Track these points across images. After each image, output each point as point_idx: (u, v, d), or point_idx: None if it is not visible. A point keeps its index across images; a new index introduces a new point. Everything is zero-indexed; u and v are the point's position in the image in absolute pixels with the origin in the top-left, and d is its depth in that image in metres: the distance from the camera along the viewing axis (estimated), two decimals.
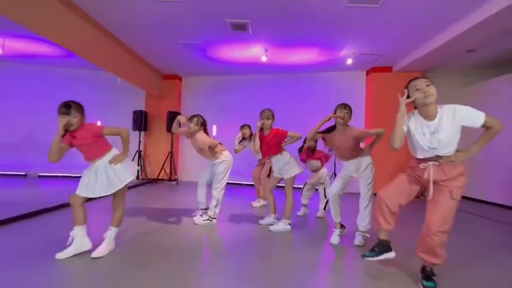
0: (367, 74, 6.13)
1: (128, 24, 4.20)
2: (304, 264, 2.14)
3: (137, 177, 6.48)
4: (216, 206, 3.09)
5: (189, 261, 2.11)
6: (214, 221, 3.12)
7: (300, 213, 3.67)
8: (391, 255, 1.81)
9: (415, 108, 1.84)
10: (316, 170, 3.60)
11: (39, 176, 6.47)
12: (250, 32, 4.30)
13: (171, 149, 6.51)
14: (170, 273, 1.89)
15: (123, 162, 2.21)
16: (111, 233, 2.24)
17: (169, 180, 6.58)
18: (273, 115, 2.98)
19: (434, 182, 1.74)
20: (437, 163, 1.72)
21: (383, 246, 1.82)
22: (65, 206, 3.68)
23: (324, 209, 3.59)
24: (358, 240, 2.57)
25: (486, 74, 5.60)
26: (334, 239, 2.62)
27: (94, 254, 2.10)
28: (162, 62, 6.02)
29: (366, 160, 2.61)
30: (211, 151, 3.07)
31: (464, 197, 5.41)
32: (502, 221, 3.73)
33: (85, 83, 6.65)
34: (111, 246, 2.25)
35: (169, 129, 6.38)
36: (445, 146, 1.69)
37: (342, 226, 2.68)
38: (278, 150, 3.00)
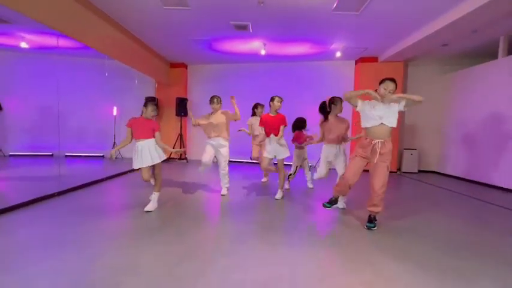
0: (355, 64, 6.80)
1: (141, 22, 4.80)
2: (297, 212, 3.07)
3: (180, 158, 7.35)
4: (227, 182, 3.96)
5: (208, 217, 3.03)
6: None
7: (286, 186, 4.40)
8: (340, 205, 3.28)
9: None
10: (302, 147, 4.25)
11: (66, 156, 7.34)
12: (251, 31, 4.95)
13: (181, 131, 7.31)
14: (189, 228, 2.81)
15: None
16: (154, 196, 3.17)
17: (180, 159, 7.47)
18: (281, 100, 3.70)
19: (368, 158, 2.67)
20: (382, 140, 2.60)
21: (335, 201, 3.07)
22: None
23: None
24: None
25: (459, 64, 6.31)
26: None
27: (146, 208, 3.08)
28: (170, 53, 6.64)
29: (343, 146, 3.45)
30: (227, 128, 3.79)
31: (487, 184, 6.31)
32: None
33: (102, 72, 7.27)
34: (155, 205, 3.18)
35: (178, 113, 7.15)
36: (388, 117, 2.58)
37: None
38: (278, 131, 3.60)
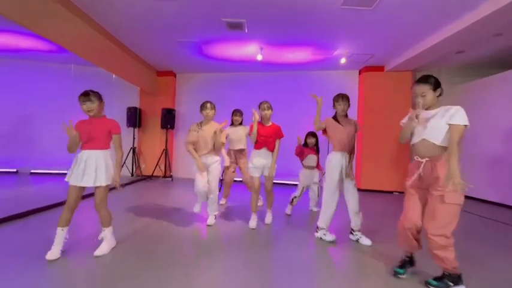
0: (359, 73, 6.25)
1: (121, 20, 4.17)
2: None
3: (132, 174, 6.48)
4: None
5: (188, 256, 2.20)
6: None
7: (288, 212, 3.66)
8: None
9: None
10: (313, 167, 3.67)
11: (31, 173, 6.40)
12: (246, 31, 4.34)
13: (166, 146, 6.52)
14: (170, 267, 1.98)
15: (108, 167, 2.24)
16: (105, 233, 2.26)
17: (164, 176, 6.61)
18: (271, 107, 3.06)
19: (427, 188, 1.87)
20: (428, 159, 1.85)
21: (411, 261, 2.06)
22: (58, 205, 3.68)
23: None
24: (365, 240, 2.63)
25: (472, 74, 5.82)
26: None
27: (96, 253, 2.17)
28: (157, 59, 5.99)
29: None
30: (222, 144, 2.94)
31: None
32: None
33: (77, 78, 6.55)
34: (112, 243, 2.31)
35: (163, 126, 6.38)
36: (431, 131, 1.84)
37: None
38: (273, 145, 3.01)
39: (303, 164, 3.71)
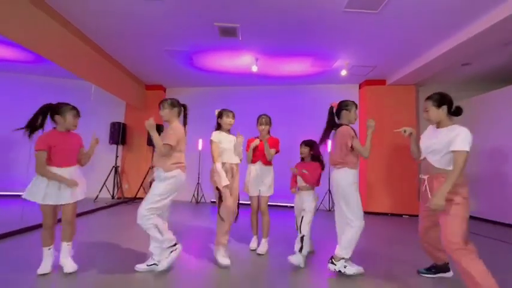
0: (360, 88, 5.96)
1: (104, 27, 3.80)
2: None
3: (112, 196, 5.83)
4: (163, 234, 2.12)
5: None
6: (178, 247, 2.20)
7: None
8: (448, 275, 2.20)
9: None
10: (303, 188, 2.62)
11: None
12: (240, 38, 4.00)
13: (152, 165, 5.94)
14: None
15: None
16: (64, 247, 2.12)
17: None
18: (271, 120, 2.87)
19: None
20: (429, 176, 1.96)
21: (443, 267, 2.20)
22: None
23: (300, 251, 2.34)
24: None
25: (479, 89, 5.56)
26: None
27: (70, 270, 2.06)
28: (144, 71, 5.61)
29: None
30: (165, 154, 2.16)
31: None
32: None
33: (55, 91, 6.07)
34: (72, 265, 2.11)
35: (150, 142, 5.86)
36: (434, 153, 1.92)
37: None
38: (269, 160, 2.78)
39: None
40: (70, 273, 2.06)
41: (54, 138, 2.08)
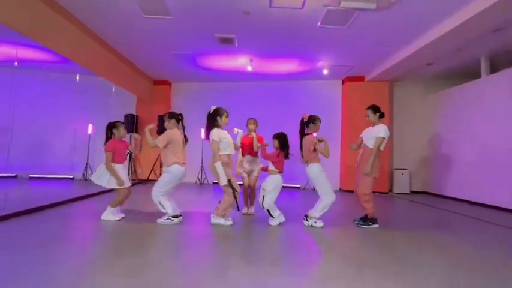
0: (342, 83, 6.77)
1: (120, 32, 4.57)
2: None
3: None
4: (165, 208, 3.05)
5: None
6: (176, 220, 3.07)
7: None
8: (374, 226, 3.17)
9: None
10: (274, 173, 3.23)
11: (30, 178, 6.63)
12: (236, 45, 4.80)
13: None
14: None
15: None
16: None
17: None
18: (257, 122, 3.76)
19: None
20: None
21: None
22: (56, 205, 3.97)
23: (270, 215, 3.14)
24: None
25: (443, 84, 6.38)
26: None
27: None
28: (153, 70, 6.40)
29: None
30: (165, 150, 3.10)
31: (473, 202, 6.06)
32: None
33: (77, 87, 6.88)
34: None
35: (160, 132, 6.73)
36: (369, 139, 3.16)
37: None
38: (256, 152, 3.62)
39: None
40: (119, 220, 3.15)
41: (115, 144, 3.15)
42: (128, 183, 3.20)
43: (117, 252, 2.20)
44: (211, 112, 3.14)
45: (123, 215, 3.24)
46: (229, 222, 3.09)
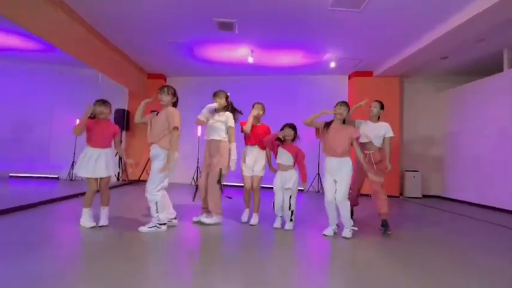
0: (349, 78, 6.36)
1: (111, 20, 4.13)
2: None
3: (117, 178, 6.26)
4: (158, 212, 2.51)
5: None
6: (164, 227, 2.56)
7: (277, 225, 2.95)
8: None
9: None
10: (286, 168, 2.85)
11: (10, 177, 6.11)
12: (236, 32, 4.36)
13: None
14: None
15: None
16: (104, 210, 2.71)
17: None
18: (264, 108, 3.21)
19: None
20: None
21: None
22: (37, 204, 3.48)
23: (291, 220, 2.86)
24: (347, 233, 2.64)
25: (456, 81, 5.99)
26: (329, 231, 2.68)
27: (101, 223, 2.65)
28: (147, 61, 5.95)
29: (348, 162, 2.66)
30: (172, 135, 2.53)
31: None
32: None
33: (64, 79, 6.43)
34: (106, 221, 2.69)
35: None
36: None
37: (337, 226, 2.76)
38: (263, 145, 3.04)
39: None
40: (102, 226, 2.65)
41: (90, 123, 2.71)
42: (92, 174, 2.58)
43: (93, 272, 1.72)
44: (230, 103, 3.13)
45: (94, 223, 2.61)
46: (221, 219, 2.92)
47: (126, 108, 6.62)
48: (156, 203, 2.50)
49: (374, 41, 4.55)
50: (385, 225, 2.79)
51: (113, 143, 2.77)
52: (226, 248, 2.33)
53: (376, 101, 3.08)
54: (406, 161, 6.23)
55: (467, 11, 3.48)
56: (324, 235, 2.65)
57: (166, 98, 2.64)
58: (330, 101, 6.23)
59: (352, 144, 2.66)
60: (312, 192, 5.98)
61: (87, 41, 4.32)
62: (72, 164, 6.12)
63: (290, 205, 2.82)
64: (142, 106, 2.68)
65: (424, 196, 5.99)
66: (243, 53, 5.21)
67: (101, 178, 2.66)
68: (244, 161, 3.07)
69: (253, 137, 3.06)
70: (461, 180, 5.50)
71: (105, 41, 4.78)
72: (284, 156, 2.86)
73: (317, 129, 2.83)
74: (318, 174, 6.03)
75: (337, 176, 2.62)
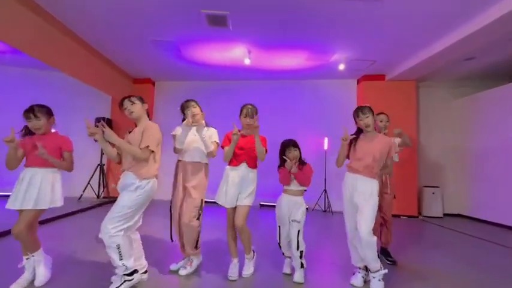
0: (358, 83, 5.70)
1: (86, 16, 3.46)
2: None
3: (97, 196, 5.54)
4: (122, 258, 1.81)
5: None
6: (136, 276, 1.91)
7: (287, 270, 2.30)
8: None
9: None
10: (295, 194, 2.21)
11: None
12: (230, 28, 3.70)
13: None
14: None
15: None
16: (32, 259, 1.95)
17: None
18: (257, 111, 2.26)
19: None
20: None
21: None
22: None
23: (302, 267, 2.15)
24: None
25: (477, 85, 5.34)
26: (358, 280, 2.10)
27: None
28: (130, 63, 5.26)
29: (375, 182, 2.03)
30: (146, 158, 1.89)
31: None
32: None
33: (37, 84, 5.74)
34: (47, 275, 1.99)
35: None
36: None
37: (366, 268, 2.11)
38: (255, 162, 2.26)
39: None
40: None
41: (25, 140, 2.07)
42: (16, 205, 1.88)
43: None
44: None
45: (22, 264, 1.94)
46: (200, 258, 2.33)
47: (109, 117, 5.92)
48: (118, 247, 1.79)
49: (392, 37, 3.88)
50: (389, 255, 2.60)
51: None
52: None
53: (384, 114, 2.79)
54: (424, 176, 5.53)
55: (501, 5, 2.88)
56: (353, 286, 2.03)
57: (135, 108, 1.98)
58: (336, 108, 5.64)
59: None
60: (317, 211, 5.28)
61: (56, 41, 3.65)
62: None
63: (298, 244, 2.12)
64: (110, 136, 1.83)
65: (446, 215, 5.28)
66: (239, 53, 4.54)
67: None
68: (225, 189, 2.19)
69: (239, 154, 2.20)
70: (484, 197, 4.82)
71: (80, 41, 4.12)
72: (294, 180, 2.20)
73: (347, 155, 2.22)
74: (325, 190, 5.32)
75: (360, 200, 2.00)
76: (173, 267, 2.27)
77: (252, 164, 2.23)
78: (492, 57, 4.40)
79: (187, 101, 2.32)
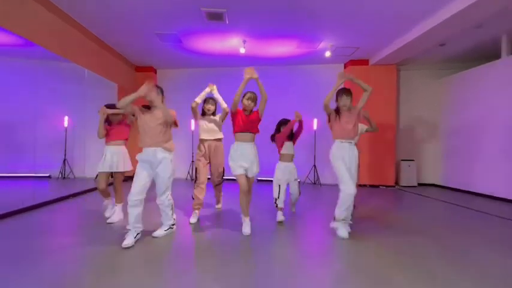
0: (345, 67, 6.20)
1: (93, 11, 3.87)
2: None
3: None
4: (173, 214, 2.62)
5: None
6: (175, 227, 2.69)
7: (280, 219, 3.02)
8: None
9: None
10: (290, 159, 3.17)
11: None
12: (227, 22, 4.14)
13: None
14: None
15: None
16: (117, 207, 3.11)
17: None
18: (256, 98, 2.82)
19: None
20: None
21: None
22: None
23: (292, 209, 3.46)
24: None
25: (453, 68, 5.89)
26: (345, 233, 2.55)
27: (110, 220, 2.99)
28: (135, 53, 5.69)
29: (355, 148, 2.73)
30: (169, 132, 2.50)
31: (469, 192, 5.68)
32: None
33: (49, 75, 6.14)
34: (121, 216, 3.07)
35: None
36: None
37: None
38: (257, 130, 2.77)
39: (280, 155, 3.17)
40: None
41: None
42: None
43: None
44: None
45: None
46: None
47: (115, 103, 6.39)
48: (172, 207, 2.57)
49: (372, 26, 4.33)
50: None
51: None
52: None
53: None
54: (402, 151, 6.22)
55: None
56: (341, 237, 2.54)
57: (157, 97, 2.53)
58: (325, 91, 6.14)
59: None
60: (308, 184, 5.97)
61: (67, 33, 4.06)
62: (64, 161, 5.98)
63: (299, 191, 3.30)
64: (134, 96, 2.39)
65: (419, 184, 6.03)
66: (235, 43, 4.99)
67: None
68: (233, 159, 2.66)
69: (244, 124, 2.70)
70: (456, 168, 5.53)
71: (87, 33, 4.52)
72: (289, 146, 3.13)
73: (328, 116, 2.79)
74: (314, 166, 5.99)
75: (352, 164, 2.61)
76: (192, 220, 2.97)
77: (256, 131, 2.79)
78: (463, 43, 4.92)
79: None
